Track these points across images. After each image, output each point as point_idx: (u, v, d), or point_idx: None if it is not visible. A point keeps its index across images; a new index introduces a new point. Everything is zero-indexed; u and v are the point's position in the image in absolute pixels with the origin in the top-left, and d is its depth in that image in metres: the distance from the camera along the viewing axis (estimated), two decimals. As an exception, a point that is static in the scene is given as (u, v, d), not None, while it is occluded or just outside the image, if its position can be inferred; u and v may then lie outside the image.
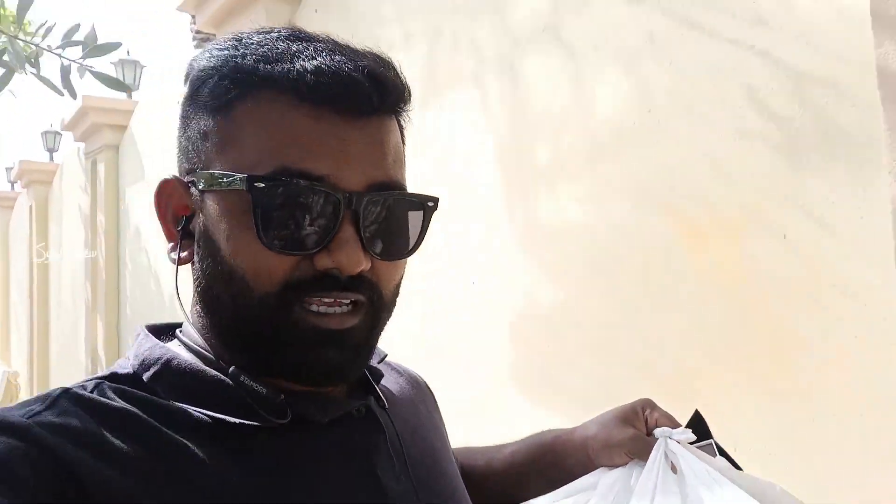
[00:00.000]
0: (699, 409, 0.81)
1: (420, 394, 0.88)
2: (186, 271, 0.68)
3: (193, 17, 3.86)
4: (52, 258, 8.16)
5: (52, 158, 9.99)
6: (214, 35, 3.75)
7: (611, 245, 1.84)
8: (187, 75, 0.67)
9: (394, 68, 0.67)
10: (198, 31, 4.20)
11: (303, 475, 0.63)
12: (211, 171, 0.64)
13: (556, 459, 0.85)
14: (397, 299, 0.71)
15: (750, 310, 1.52)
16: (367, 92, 0.62)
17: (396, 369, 0.88)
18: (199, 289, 0.67)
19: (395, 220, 0.66)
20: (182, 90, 0.69)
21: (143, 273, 5.75)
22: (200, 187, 0.64)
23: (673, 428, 0.78)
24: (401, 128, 0.70)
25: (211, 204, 0.64)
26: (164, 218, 0.69)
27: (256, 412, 0.63)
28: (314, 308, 0.63)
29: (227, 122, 0.64)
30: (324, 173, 0.61)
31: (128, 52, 6.99)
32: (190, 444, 0.60)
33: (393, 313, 0.71)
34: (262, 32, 0.66)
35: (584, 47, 1.94)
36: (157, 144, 5.33)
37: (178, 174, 0.69)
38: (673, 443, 0.76)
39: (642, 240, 1.76)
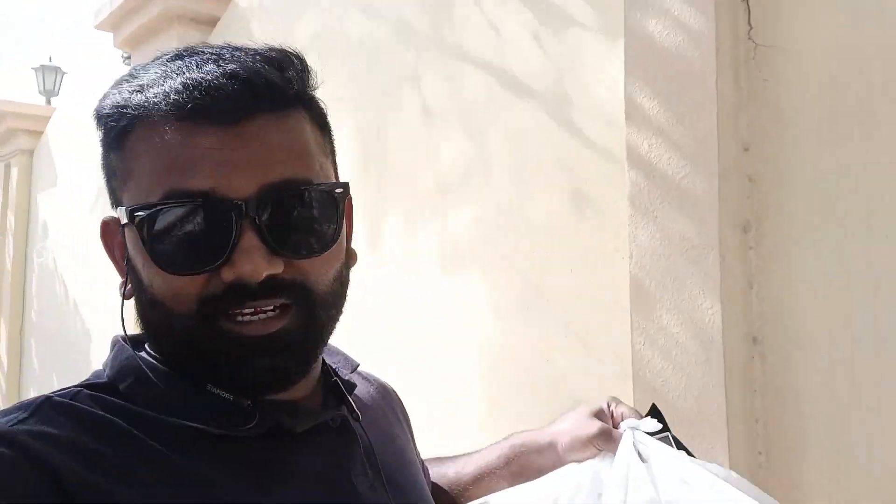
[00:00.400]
0: (655, 404, 0.85)
1: (390, 404, 0.88)
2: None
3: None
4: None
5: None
6: (129, 57, 3.94)
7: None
8: (94, 117, 0.68)
9: (278, 62, 0.65)
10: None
11: (279, 485, 0.64)
12: (119, 208, 0.66)
13: (526, 461, 0.87)
14: (342, 291, 0.70)
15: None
16: (234, 96, 0.61)
17: (367, 379, 0.88)
18: (139, 317, 0.69)
19: (304, 215, 0.64)
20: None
21: (50, 277, 5.80)
22: (121, 224, 0.66)
23: (638, 420, 0.81)
24: (315, 115, 0.69)
25: (128, 237, 0.66)
26: (112, 256, 0.71)
27: (232, 421, 0.64)
28: (238, 319, 0.63)
29: (121, 157, 0.66)
30: (208, 187, 0.61)
31: (49, 59, 7.03)
32: (168, 452, 0.60)
33: (340, 310, 0.70)
34: (155, 59, 0.67)
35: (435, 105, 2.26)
36: (73, 151, 5.41)
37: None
38: (640, 434, 0.79)
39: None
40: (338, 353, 0.83)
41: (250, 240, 0.61)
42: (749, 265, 1.45)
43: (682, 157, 1.44)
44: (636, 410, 0.84)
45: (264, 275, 0.62)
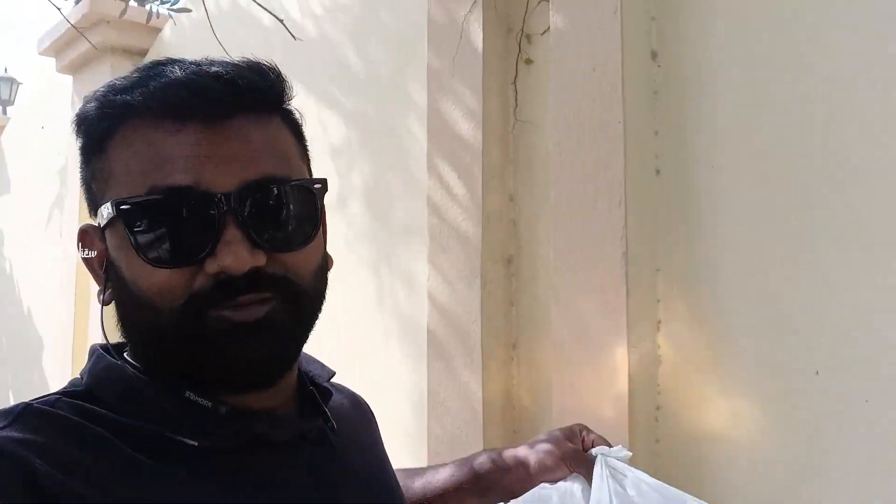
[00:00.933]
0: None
1: (363, 415, 0.89)
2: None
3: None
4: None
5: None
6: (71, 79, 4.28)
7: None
8: (73, 127, 0.69)
9: (259, 69, 0.68)
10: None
11: (258, 495, 0.65)
12: (101, 208, 0.66)
13: (494, 479, 0.89)
14: (322, 288, 0.71)
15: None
16: (218, 94, 0.63)
17: (340, 390, 0.89)
18: (120, 322, 0.68)
19: (284, 209, 0.66)
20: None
21: (5, 281, 5.96)
22: (100, 226, 0.67)
23: (609, 448, 0.86)
24: (291, 124, 0.71)
25: (109, 240, 0.67)
26: (89, 265, 0.71)
27: (211, 430, 0.65)
28: (224, 311, 0.64)
29: (104, 160, 0.67)
30: (192, 182, 0.62)
31: (5, 69, 7.31)
32: (146, 461, 0.61)
33: (320, 308, 0.71)
34: (135, 70, 0.69)
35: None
36: (27, 160, 5.58)
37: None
38: (613, 460, 0.84)
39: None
40: (313, 361, 0.83)
41: (233, 233, 0.63)
42: (510, 290, 1.89)
43: (460, 205, 1.88)
44: (605, 438, 0.89)
45: (248, 267, 0.63)
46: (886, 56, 1.33)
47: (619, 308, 1.52)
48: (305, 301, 0.68)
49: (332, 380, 0.83)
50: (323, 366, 0.83)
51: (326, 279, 0.72)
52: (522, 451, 0.88)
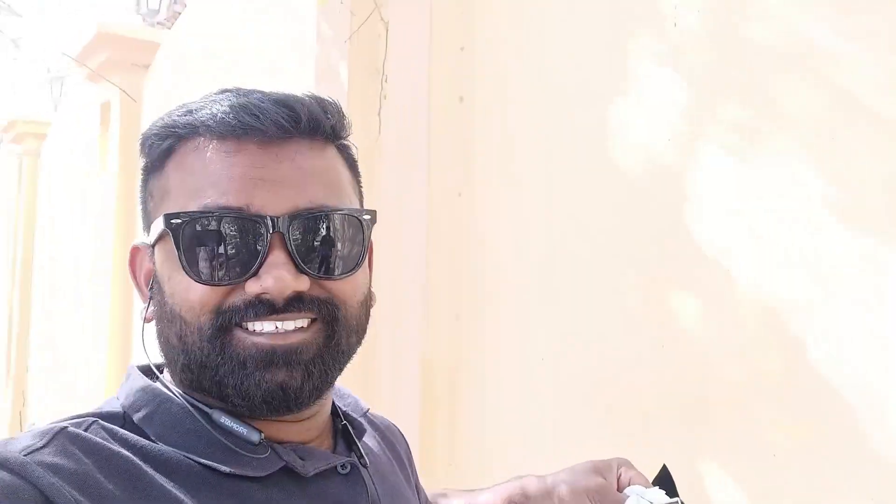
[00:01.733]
0: (666, 465, 0.84)
1: (395, 448, 0.88)
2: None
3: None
4: None
5: None
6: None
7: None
8: (139, 145, 0.72)
9: (318, 100, 0.70)
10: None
11: None
12: (154, 223, 0.68)
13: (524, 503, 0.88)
14: (364, 322, 0.72)
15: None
16: (276, 117, 0.65)
17: (373, 422, 0.88)
18: (157, 339, 0.69)
19: (332, 237, 0.67)
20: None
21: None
22: (151, 243, 0.69)
23: (646, 488, 0.81)
24: (346, 157, 0.73)
25: (158, 256, 0.68)
26: (137, 281, 0.73)
27: (242, 458, 0.65)
28: (254, 327, 0.65)
29: (162, 177, 0.69)
30: (244, 202, 0.64)
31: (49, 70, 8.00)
32: (175, 491, 0.61)
33: (360, 340, 0.71)
34: (205, 95, 0.71)
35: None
36: None
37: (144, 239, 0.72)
38: (644, 502, 0.79)
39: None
40: (349, 395, 0.84)
41: (278, 256, 0.64)
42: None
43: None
44: (645, 478, 0.85)
45: (290, 291, 0.64)
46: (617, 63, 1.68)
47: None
48: (344, 330, 0.69)
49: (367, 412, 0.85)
50: (357, 400, 0.84)
51: (368, 314, 0.73)
52: (553, 481, 0.87)
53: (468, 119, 2.02)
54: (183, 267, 0.65)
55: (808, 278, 1.34)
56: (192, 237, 0.64)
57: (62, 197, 5.98)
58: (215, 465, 0.64)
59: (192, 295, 0.65)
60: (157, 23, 4.60)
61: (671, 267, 1.56)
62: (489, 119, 1.98)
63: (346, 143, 0.74)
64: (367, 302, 0.73)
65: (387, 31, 2.14)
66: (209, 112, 0.67)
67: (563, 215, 1.79)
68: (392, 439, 0.89)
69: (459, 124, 2.03)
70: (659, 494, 0.80)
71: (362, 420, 0.80)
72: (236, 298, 0.65)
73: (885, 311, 1.24)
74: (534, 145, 1.86)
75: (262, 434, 0.66)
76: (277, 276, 0.64)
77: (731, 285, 1.45)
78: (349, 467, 0.72)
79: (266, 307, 0.64)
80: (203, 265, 0.65)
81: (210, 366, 0.65)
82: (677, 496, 0.80)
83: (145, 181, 0.72)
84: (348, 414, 0.79)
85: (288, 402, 0.66)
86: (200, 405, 0.67)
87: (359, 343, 0.72)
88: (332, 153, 0.71)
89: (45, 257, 6.59)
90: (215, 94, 0.71)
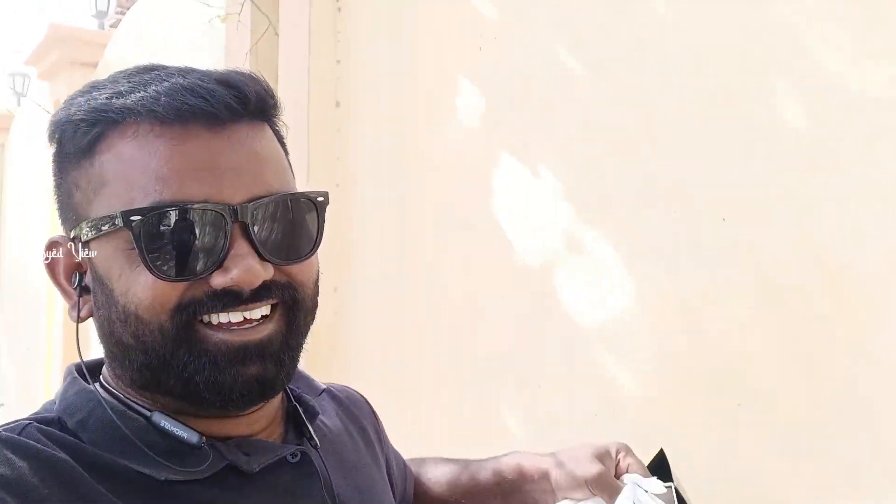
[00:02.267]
0: (663, 449, 0.84)
1: (360, 420, 0.87)
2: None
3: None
4: None
5: None
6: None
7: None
8: (49, 132, 0.67)
9: (253, 77, 0.67)
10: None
11: None
12: (89, 220, 0.63)
13: (518, 486, 0.87)
14: (317, 299, 0.71)
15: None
16: (225, 98, 0.63)
17: (336, 397, 0.86)
18: (103, 339, 0.66)
19: (290, 222, 0.66)
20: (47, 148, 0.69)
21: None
22: (85, 239, 0.64)
23: (644, 477, 0.80)
24: (278, 136, 0.71)
25: (98, 252, 0.64)
26: (57, 279, 0.68)
27: (181, 461, 0.63)
28: (220, 320, 0.63)
29: (93, 167, 0.64)
30: (202, 193, 0.61)
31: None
32: (113, 497, 0.59)
33: (314, 319, 0.71)
34: (116, 73, 0.67)
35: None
36: None
37: (63, 233, 0.68)
38: (641, 491, 0.77)
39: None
40: (302, 377, 0.82)
41: (242, 246, 0.62)
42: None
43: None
44: (643, 466, 0.83)
45: (260, 280, 0.63)
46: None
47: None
48: (302, 312, 0.68)
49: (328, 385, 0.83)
50: (311, 381, 0.82)
51: (319, 292, 0.72)
52: (549, 462, 0.85)
53: (343, 121, 2.38)
54: (147, 266, 0.61)
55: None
56: (153, 233, 0.61)
57: (28, 189, 6.21)
58: (150, 472, 0.62)
59: (151, 292, 0.62)
60: (110, 25, 4.90)
61: (498, 245, 1.93)
62: (361, 121, 2.34)
63: (277, 121, 0.72)
64: (318, 280, 0.72)
65: (278, 45, 2.50)
66: (148, 94, 0.62)
67: (415, 205, 2.15)
68: (355, 411, 0.88)
69: (336, 126, 2.39)
70: (657, 485, 0.78)
71: (316, 402, 0.79)
72: (198, 292, 0.63)
73: None
74: (397, 143, 2.22)
75: (203, 437, 0.65)
76: (247, 267, 0.62)
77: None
78: (299, 455, 0.70)
79: (233, 298, 0.63)
80: (166, 261, 0.62)
81: (176, 364, 0.63)
82: (671, 482, 0.79)
83: (64, 170, 0.67)
84: (301, 396, 0.77)
85: (264, 393, 0.66)
86: (140, 407, 0.66)
87: (312, 322, 0.71)
88: (270, 133, 0.70)
89: (12, 249, 6.77)
90: (137, 73, 0.66)
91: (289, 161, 0.72)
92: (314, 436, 0.74)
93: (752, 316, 1.36)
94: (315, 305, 0.71)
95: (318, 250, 0.70)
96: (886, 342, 1.19)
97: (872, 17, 1.23)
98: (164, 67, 0.67)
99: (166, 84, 0.63)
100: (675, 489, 0.79)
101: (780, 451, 1.30)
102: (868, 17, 1.23)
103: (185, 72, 0.65)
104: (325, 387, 0.83)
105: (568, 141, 1.71)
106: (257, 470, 0.66)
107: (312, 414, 0.76)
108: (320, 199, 0.70)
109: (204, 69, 0.67)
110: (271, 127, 0.70)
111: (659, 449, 0.84)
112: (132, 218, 0.61)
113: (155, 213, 0.61)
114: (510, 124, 1.86)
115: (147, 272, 0.61)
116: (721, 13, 1.43)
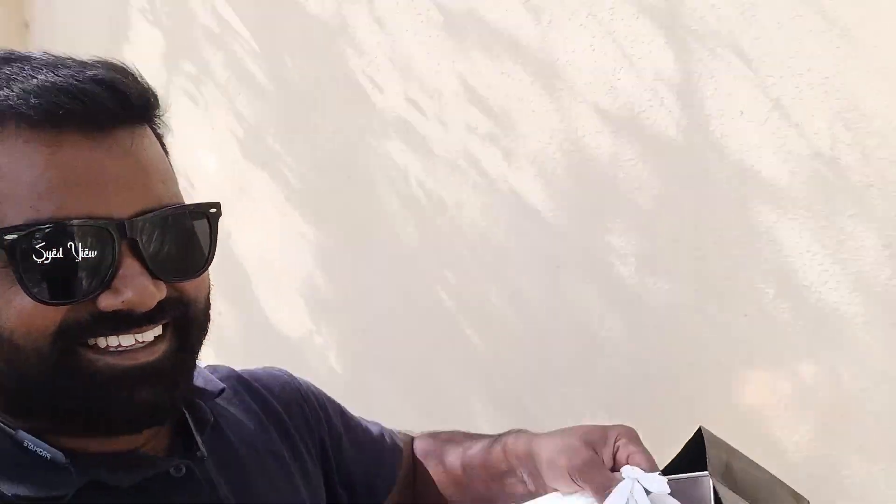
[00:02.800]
0: (703, 428, 0.65)
1: (274, 407, 0.80)
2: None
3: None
4: None
5: None
6: None
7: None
8: None
9: (131, 74, 0.61)
10: None
11: None
12: None
13: (505, 463, 0.79)
14: (209, 313, 0.66)
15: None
16: (103, 101, 0.56)
17: (247, 387, 0.80)
18: None
19: (182, 236, 0.61)
20: None
21: None
22: None
23: (647, 472, 0.63)
24: (159, 137, 0.64)
25: None
26: None
27: (42, 480, 0.59)
28: (108, 343, 0.58)
29: None
30: (85, 208, 0.56)
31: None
32: None
33: (208, 330, 0.66)
34: None
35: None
36: None
37: None
38: (640, 489, 0.62)
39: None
40: (201, 375, 0.74)
41: (132, 265, 0.57)
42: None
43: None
44: (650, 458, 0.66)
45: (155, 301, 0.58)
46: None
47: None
48: (195, 329, 0.64)
49: (238, 371, 0.80)
50: (210, 379, 0.75)
51: (210, 303, 0.67)
52: (539, 446, 0.74)
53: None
54: (22, 286, 0.55)
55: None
56: (29, 251, 0.55)
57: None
58: (11, 496, 0.58)
59: (29, 316, 0.56)
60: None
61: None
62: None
63: (158, 120, 0.64)
64: (210, 294, 0.67)
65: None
66: (14, 94, 0.55)
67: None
68: (269, 398, 0.80)
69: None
70: (659, 482, 0.62)
71: (214, 404, 0.72)
72: (82, 315, 0.57)
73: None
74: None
75: (68, 452, 0.60)
76: (140, 288, 0.57)
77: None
78: (184, 469, 0.65)
79: (123, 321, 0.58)
80: (47, 284, 0.56)
81: (56, 392, 0.58)
82: (706, 471, 0.62)
83: None
84: (193, 402, 0.70)
85: (157, 419, 0.62)
86: (2, 424, 0.61)
87: (205, 336, 0.67)
88: (152, 136, 0.63)
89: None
90: None
91: (170, 163, 0.66)
92: (202, 447, 0.68)
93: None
94: (208, 320, 0.67)
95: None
96: None
97: None
98: (27, 58, 0.59)
99: (34, 81, 0.56)
100: (714, 483, 0.61)
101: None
102: None
103: (53, 65, 0.58)
104: (223, 387, 0.75)
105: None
106: (129, 486, 0.61)
107: (203, 422, 0.70)
108: (213, 210, 0.64)
109: (74, 60, 0.60)
110: (152, 128, 0.64)
111: (697, 427, 0.66)
112: (6, 237, 0.55)
113: (31, 231, 0.55)
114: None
115: (24, 294, 0.55)
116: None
